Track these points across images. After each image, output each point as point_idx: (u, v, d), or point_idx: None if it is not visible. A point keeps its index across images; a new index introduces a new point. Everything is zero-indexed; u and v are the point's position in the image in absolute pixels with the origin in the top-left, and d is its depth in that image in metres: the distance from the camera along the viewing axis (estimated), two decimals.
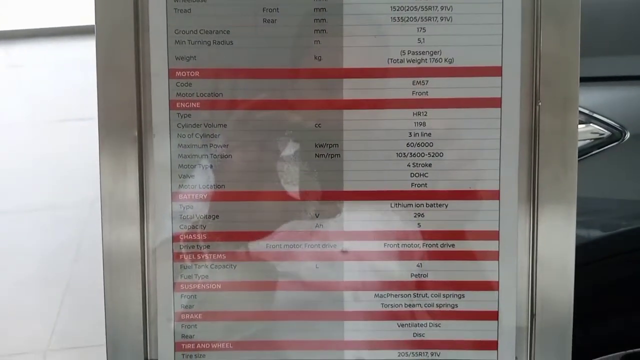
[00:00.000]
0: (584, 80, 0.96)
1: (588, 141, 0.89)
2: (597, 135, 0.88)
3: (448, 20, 0.44)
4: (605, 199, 0.90)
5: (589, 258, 0.87)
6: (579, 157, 0.85)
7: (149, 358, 0.46)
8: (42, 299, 1.80)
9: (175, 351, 0.46)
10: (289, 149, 0.45)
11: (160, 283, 0.46)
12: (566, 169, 0.44)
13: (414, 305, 0.46)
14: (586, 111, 0.90)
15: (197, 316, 0.46)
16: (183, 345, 0.46)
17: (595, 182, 0.88)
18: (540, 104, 0.44)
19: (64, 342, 1.67)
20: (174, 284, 0.46)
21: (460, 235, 0.46)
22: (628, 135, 0.88)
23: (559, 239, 0.45)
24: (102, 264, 0.45)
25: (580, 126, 0.90)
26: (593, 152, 0.88)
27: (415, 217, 0.45)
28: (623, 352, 1.09)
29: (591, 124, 0.89)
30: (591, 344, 1.01)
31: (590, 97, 0.92)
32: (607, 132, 0.88)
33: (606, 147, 0.88)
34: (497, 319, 0.46)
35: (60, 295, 1.81)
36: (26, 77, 3.34)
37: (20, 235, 2.09)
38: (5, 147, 2.61)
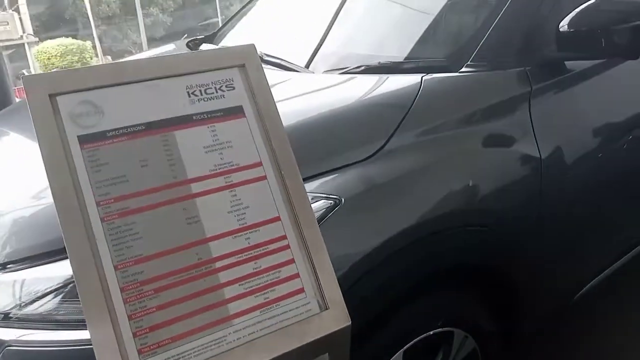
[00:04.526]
0: (315, 175, 1.51)
1: (322, 211, 1.44)
2: (327, 205, 1.45)
3: (231, 148, 0.94)
4: None
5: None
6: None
7: None
8: None
9: None
10: None
11: None
12: None
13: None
14: (314, 192, 1.47)
15: None
16: None
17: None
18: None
19: None
20: None
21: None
22: (343, 201, 1.46)
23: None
24: None
25: (317, 203, 1.46)
26: (327, 217, 1.43)
27: (245, 240, 0.91)
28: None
29: (322, 200, 1.46)
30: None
31: (314, 184, 1.49)
32: (330, 202, 1.46)
33: (332, 212, 1.44)
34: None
35: None
36: None
37: None
38: None
